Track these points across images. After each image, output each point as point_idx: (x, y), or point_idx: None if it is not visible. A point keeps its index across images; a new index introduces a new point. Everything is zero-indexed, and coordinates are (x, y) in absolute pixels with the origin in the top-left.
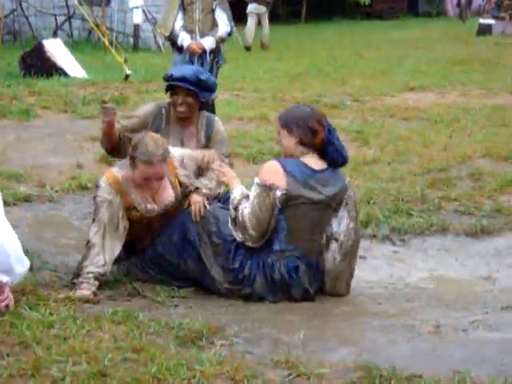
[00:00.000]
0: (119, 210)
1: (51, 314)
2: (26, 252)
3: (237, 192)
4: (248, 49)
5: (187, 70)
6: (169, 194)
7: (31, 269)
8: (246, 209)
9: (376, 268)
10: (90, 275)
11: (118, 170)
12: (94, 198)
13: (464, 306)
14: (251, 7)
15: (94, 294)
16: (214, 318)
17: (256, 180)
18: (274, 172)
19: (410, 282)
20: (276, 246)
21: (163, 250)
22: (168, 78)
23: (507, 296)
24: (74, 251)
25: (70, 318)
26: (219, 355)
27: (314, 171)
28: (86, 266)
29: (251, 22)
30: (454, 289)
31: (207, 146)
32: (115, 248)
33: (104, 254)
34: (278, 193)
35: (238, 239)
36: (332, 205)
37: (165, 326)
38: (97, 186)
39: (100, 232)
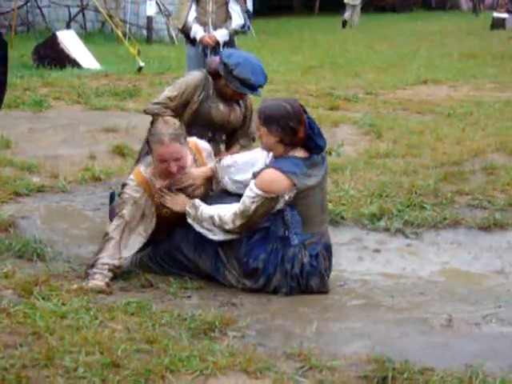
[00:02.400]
0: (146, 209)
1: (64, 304)
2: (39, 242)
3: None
4: (344, 24)
5: (263, 79)
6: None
7: (44, 259)
8: (230, 213)
9: (389, 261)
10: (105, 266)
11: (144, 169)
12: (120, 194)
13: (477, 300)
14: None
15: (107, 285)
16: (226, 309)
17: (256, 190)
18: (276, 181)
19: (423, 276)
20: (294, 241)
21: (181, 242)
22: (246, 85)
23: None
24: (86, 242)
25: (82, 308)
26: (232, 347)
27: (304, 159)
28: (101, 258)
29: (347, 12)
30: (466, 282)
31: (244, 121)
32: (135, 244)
33: (121, 248)
34: (287, 196)
35: (220, 239)
36: (325, 181)
37: (177, 317)
38: (123, 184)
39: (120, 227)
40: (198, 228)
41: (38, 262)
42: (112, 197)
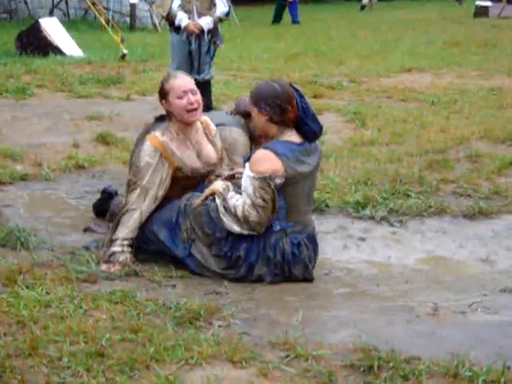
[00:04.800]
0: (163, 173)
1: (48, 293)
2: (23, 231)
3: (218, 185)
4: (362, 8)
5: None
6: (211, 154)
7: (27, 248)
8: (243, 203)
9: (374, 249)
10: (125, 242)
11: (160, 134)
12: (133, 162)
13: (462, 288)
14: None
15: (133, 261)
16: (211, 298)
17: (250, 173)
18: (268, 160)
19: (408, 264)
20: (276, 227)
21: (157, 227)
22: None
23: (505, 278)
24: (70, 230)
25: (67, 297)
26: (217, 336)
27: (298, 145)
28: (121, 232)
29: None
30: (451, 271)
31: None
32: (148, 210)
33: (141, 217)
34: (278, 180)
35: (235, 231)
36: (317, 172)
37: (162, 306)
38: (137, 151)
39: (141, 198)
40: (222, 213)
41: (21, 251)
42: (107, 192)
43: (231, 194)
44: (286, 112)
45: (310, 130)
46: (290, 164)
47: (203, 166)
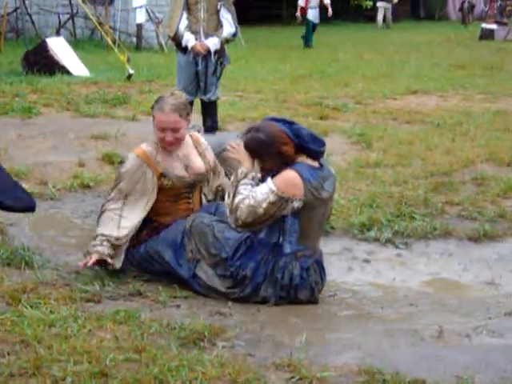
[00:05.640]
0: (147, 181)
1: (52, 312)
2: (28, 250)
3: (246, 171)
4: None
5: None
6: (199, 165)
7: (32, 267)
8: (248, 200)
9: (379, 271)
10: (103, 238)
11: (146, 145)
12: (118, 169)
13: (467, 311)
14: (380, 3)
15: (110, 256)
16: (215, 318)
17: (273, 187)
18: (293, 184)
19: (413, 286)
20: (287, 249)
21: (161, 247)
22: None
23: (510, 301)
24: (75, 250)
25: (71, 316)
26: (221, 357)
27: (317, 169)
28: (98, 230)
29: (380, 14)
30: (456, 294)
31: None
32: (134, 217)
33: (120, 219)
34: (296, 204)
35: (229, 221)
36: (332, 198)
37: (166, 326)
38: (123, 162)
39: (116, 199)
40: (231, 196)
41: (26, 270)
42: None
43: (245, 181)
44: (284, 151)
45: (311, 150)
46: (311, 189)
47: (190, 175)
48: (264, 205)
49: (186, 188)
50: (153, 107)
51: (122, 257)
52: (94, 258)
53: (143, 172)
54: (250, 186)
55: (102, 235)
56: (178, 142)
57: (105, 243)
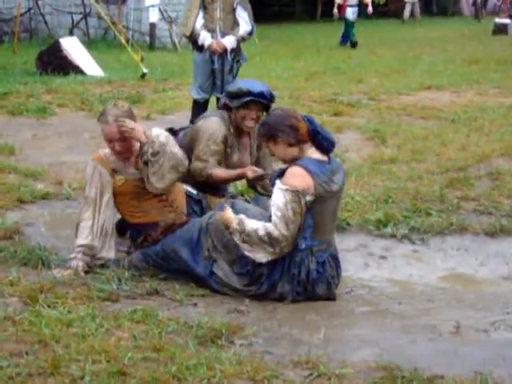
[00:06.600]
0: (102, 178)
1: (70, 312)
2: (44, 250)
3: (233, 222)
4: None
5: (262, 86)
6: None
7: (49, 267)
8: (274, 216)
9: (396, 267)
10: (79, 249)
11: (102, 151)
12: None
13: (484, 307)
14: None
15: (83, 268)
16: (233, 316)
17: (283, 187)
18: (300, 177)
19: (430, 282)
20: (302, 245)
21: (178, 245)
22: (244, 94)
23: None
24: None
25: (88, 316)
26: (239, 355)
27: (325, 163)
28: (76, 242)
29: (407, 8)
30: (473, 289)
31: (258, 158)
32: (106, 218)
33: (92, 226)
34: (308, 197)
35: (260, 260)
36: (342, 191)
37: (184, 324)
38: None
39: (86, 207)
40: (240, 244)
41: (43, 270)
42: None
43: (247, 221)
44: (297, 129)
45: (324, 138)
46: (320, 182)
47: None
48: (288, 206)
49: (141, 184)
50: (98, 119)
51: (113, 246)
52: (67, 274)
53: (99, 173)
54: (253, 220)
55: (78, 246)
56: (128, 150)
57: (79, 255)
